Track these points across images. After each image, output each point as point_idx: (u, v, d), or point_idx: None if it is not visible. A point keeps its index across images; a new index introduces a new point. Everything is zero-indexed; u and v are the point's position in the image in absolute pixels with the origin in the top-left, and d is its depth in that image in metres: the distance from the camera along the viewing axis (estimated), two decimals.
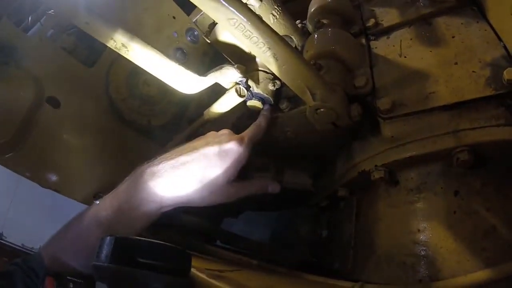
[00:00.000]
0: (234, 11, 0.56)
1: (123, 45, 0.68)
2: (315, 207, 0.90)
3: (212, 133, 0.75)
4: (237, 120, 0.92)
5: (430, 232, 0.62)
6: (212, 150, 0.69)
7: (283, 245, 0.93)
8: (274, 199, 1.01)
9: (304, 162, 0.95)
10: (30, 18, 0.94)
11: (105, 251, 0.44)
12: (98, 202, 0.70)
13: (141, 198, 0.66)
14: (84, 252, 0.64)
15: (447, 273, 0.57)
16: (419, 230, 0.63)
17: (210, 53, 1.27)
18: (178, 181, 0.67)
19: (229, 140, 0.70)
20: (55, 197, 0.91)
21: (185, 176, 0.67)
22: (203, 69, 1.23)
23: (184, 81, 0.76)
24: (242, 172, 0.73)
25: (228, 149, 0.69)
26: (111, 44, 0.68)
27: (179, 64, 0.74)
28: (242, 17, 0.57)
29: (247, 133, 0.74)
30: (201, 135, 0.98)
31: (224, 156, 0.69)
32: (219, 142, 0.70)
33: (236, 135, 0.73)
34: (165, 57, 0.73)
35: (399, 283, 0.62)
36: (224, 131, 0.74)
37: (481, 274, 0.53)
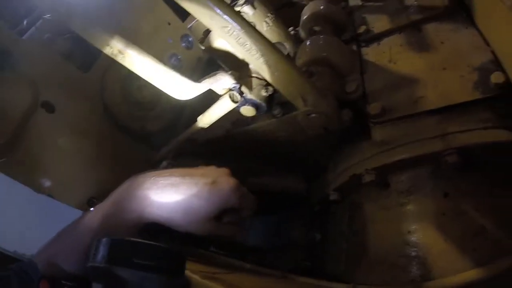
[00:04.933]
0: (228, 19, 0.58)
1: (119, 51, 0.69)
2: (309, 210, 0.91)
3: (213, 167, 0.74)
4: (231, 126, 0.93)
5: (420, 233, 0.63)
6: (205, 181, 0.68)
7: (277, 249, 0.93)
8: (268, 203, 1.02)
9: (297, 166, 0.96)
10: (25, 22, 0.94)
11: (102, 252, 0.44)
12: (92, 209, 0.71)
13: (124, 205, 0.67)
14: (77, 255, 0.64)
15: (438, 273, 0.59)
16: (409, 232, 0.64)
17: (205, 59, 1.28)
18: (162, 198, 0.67)
19: (226, 181, 0.69)
20: (47, 203, 0.91)
21: (170, 196, 0.67)
22: (198, 74, 1.24)
23: (178, 87, 0.77)
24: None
25: (221, 188, 0.68)
26: (107, 50, 0.69)
27: (174, 71, 0.75)
28: (236, 25, 0.59)
29: (245, 189, 0.73)
30: (196, 141, 0.99)
31: (214, 193, 0.67)
32: (216, 178, 0.69)
33: (235, 179, 0.71)
34: (161, 64, 0.73)
35: (392, 284, 0.63)
36: (226, 170, 0.73)
37: (472, 273, 0.55)
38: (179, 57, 1.21)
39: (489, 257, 0.56)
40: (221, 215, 0.70)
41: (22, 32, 0.93)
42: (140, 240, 0.47)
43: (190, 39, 1.25)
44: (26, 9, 0.96)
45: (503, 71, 0.61)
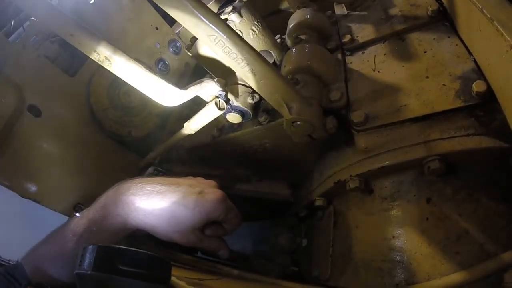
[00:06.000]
0: (214, 28, 0.58)
1: (106, 58, 0.69)
2: (295, 216, 0.92)
3: (201, 178, 0.75)
4: (218, 132, 0.94)
5: (404, 238, 0.65)
6: (192, 191, 0.69)
7: (264, 255, 0.94)
8: (255, 210, 1.02)
9: (283, 173, 0.97)
10: (12, 22, 0.92)
11: (88, 259, 0.44)
12: (78, 214, 0.71)
13: (110, 209, 0.68)
14: (61, 259, 0.65)
15: (423, 277, 0.60)
16: (394, 237, 0.65)
17: (192, 64, 1.28)
18: (147, 205, 0.67)
19: (213, 192, 0.70)
20: (27, 207, 0.89)
21: (156, 203, 0.67)
22: (186, 79, 1.24)
23: (165, 94, 0.77)
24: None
25: (208, 199, 0.68)
26: (94, 56, 0.69)
27: (160, 77, 0.75)
28: (222, 34, 0.59)
29: (231, 203, 0.73)
30: (182, 147, 0.99)
31: (200, 203, 0.68)
32: (203, 189, 0.70)
33: (222, 192, 0.71)
34: (148, 71, 0.73)
35: None
36: (213, 182, 0.74)
37: (456, 276, 0.56)
38: (166, 62, 1.22)
39: (472, 260, 0.57)
40: (204, 227, 0.70)
41: (8, 32, 0.92)
42: (126, 247, 0.47)
43: (178, 44, 1.26)
44: (13, 9, 0.94)
45: (485, 79, 0.63)
